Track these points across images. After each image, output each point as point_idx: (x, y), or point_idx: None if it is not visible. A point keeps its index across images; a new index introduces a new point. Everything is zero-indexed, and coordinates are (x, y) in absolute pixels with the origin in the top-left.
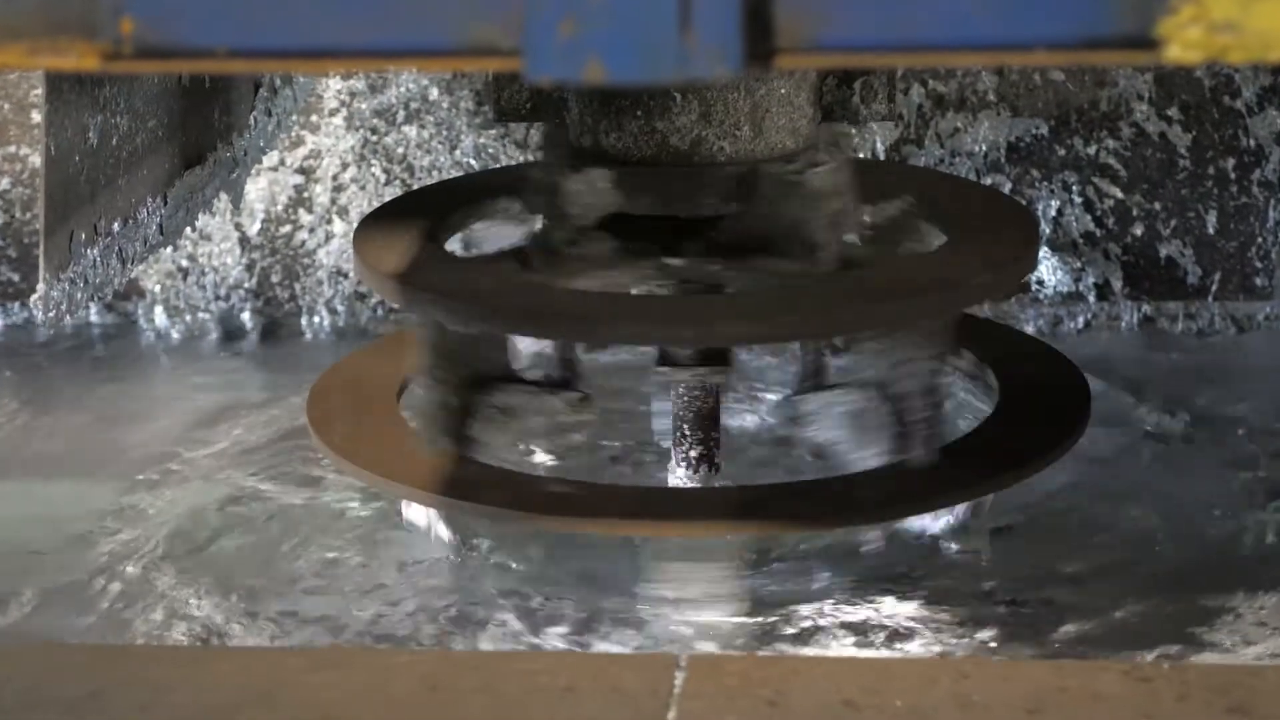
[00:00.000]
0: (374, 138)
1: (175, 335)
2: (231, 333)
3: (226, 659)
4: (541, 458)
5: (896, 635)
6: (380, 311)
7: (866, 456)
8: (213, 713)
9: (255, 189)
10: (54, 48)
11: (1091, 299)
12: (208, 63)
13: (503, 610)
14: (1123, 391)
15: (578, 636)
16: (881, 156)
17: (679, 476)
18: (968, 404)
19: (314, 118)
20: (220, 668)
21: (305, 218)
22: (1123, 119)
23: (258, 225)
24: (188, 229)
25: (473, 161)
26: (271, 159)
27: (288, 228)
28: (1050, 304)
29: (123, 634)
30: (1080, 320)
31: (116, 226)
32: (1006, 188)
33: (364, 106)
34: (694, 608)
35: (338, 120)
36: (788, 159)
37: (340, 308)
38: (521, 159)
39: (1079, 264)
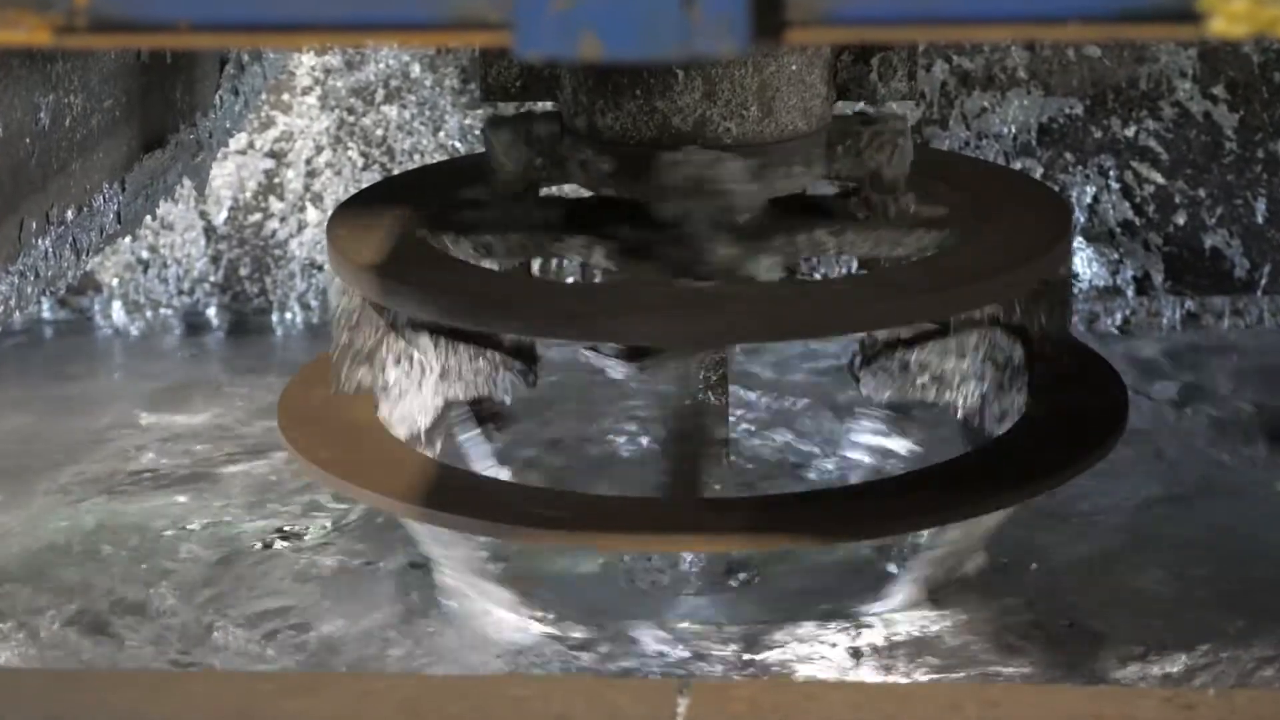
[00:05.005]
0: (351, 118)
1: (134, 332)
2: (196, 330)
3: (193, 683)
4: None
5: None
6: None
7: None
8: None
9: (221, 174)
10: (2, 20)
11: (1130, 293)
12: (169, 37)
13: None
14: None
15: None
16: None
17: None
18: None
19: (285, 97)
20: (186, 692)
21: (276, 205)
22: (1164, 98)
23: (224, 213)
24: (148, 218)
25: (458, 144)
26: (239, 141)
27: (257, 216)
28: (1085, 299)
29: None
30: (1118, 316)
31: (70, 215)
32: (1038, 172)
33: (339, 84)
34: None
35: (311, 99)
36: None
37: (314, 303)
38: None
39: (1117, 255)
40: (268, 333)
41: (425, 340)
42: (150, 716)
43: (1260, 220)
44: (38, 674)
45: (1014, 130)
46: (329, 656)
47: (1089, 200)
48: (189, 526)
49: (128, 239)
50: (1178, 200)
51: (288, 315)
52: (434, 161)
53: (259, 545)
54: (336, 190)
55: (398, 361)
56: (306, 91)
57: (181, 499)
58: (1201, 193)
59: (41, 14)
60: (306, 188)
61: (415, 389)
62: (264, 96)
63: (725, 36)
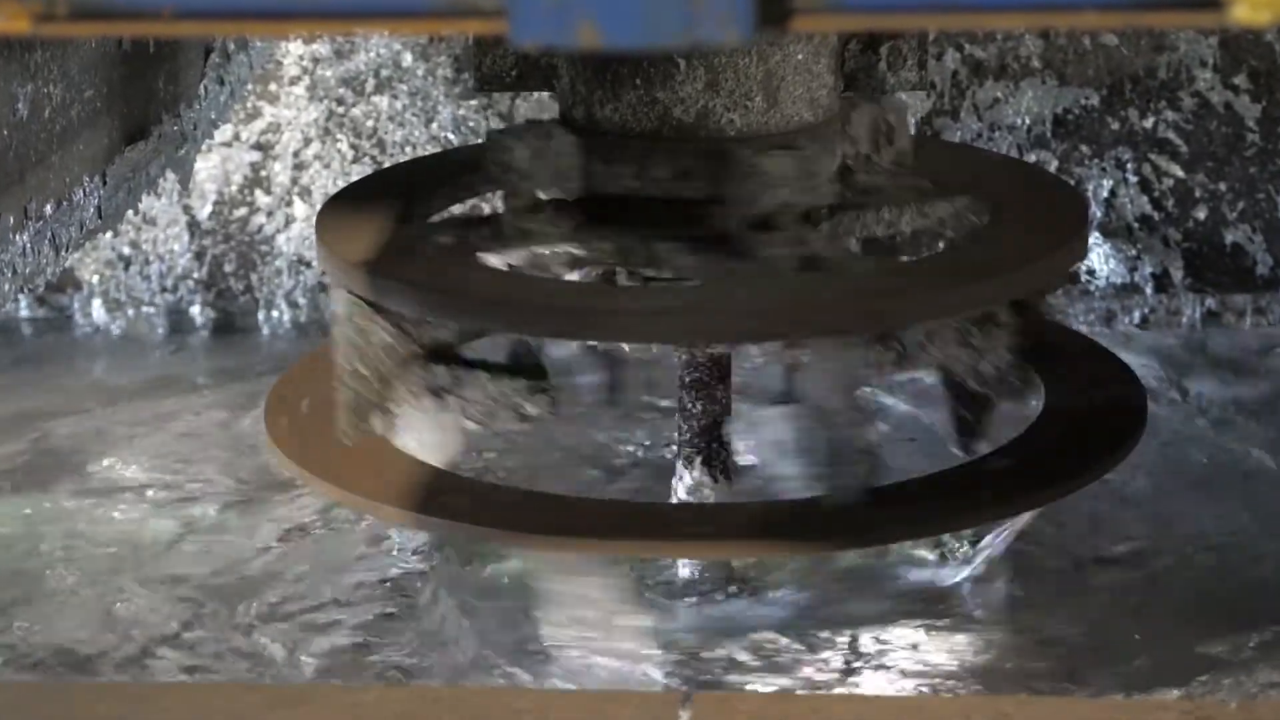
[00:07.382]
0: (340, 109)
1: (115, 331)
2: (179, 328)
3: (179, 695)
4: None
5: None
6: None
7: (793, 480)
8: None
9: (206, 167)
10: None
11: (1149, 291)
12: (152, 24)
13: None
14: None
15: None
16: (911, 130)
17: (685, 487)
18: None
19: (272, 87)
20: (172, 704)
21: (262, 199)
22: (1183, 88)
23: (209, 208)
24: (130, 212)
25: (451, 136)
26: (224, 133)
27: (243, 211)
28: (1102, 296)
29: None
30: (1136, 314)
31: (49, 209)
32: (1053, 165)
33: (329, 74)
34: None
35: (299, 90)
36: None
37: (302, 301)
38: None
39: (1134, 252)
40: (253, 331)
41: (440, 370)
42: None
43: None
44: (23, 686)
45: (1028, 122)
46: None
47: (1106, 194)
48: (157, 530)
49: (108, 234)
50: (1198, 194)
51: (274, 313)
52: (427, 153)
53: (244, 552)
54: (325, 184)
55: (413, 396)
56: (294, 81)
57: (159, 505)
58: (1222, 186)
59: (20, 1)
60: (294, 181)
61: (431, 424)
62: (250, 86)
63: (729, 24)
